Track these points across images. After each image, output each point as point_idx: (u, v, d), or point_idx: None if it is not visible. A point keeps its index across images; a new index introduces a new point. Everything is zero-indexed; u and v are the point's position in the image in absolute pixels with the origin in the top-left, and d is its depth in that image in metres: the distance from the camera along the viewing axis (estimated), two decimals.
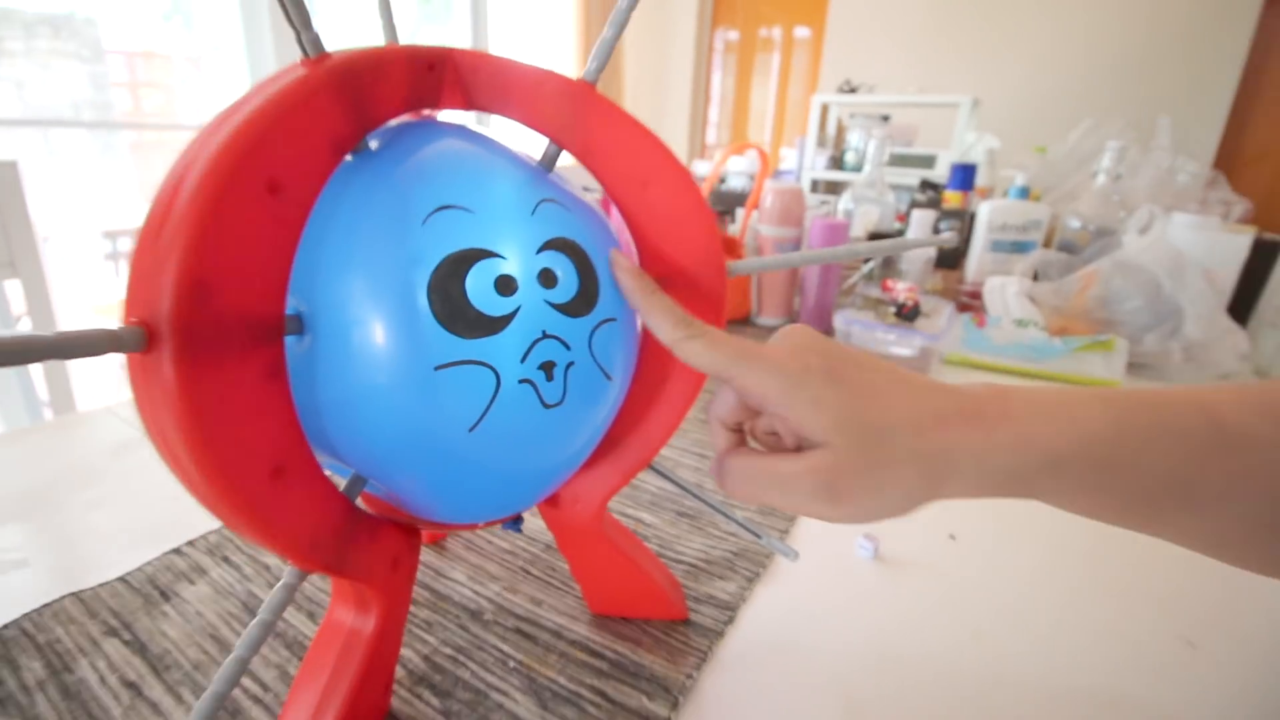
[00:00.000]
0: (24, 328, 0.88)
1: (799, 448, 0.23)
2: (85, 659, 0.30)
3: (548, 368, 0.22)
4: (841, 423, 0.22)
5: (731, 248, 0.92)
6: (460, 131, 0.24)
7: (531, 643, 0.32)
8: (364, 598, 0.25)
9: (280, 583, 0.22)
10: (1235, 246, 0.81)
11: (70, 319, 0.78)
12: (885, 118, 1.33)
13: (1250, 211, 1.10)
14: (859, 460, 0.22)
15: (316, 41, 0.20)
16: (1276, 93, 1.71)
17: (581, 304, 0.23)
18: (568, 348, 0.23)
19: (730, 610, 0.34)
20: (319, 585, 0.35)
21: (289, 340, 0.20)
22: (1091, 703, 0.30)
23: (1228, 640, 0.34)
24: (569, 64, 2.47)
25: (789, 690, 0.30)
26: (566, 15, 2.44)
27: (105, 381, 1.98)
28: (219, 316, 0.17)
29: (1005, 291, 0.77)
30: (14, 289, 0.80)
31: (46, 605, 0.33)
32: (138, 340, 0.16)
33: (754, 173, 1.45)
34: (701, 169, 1.52)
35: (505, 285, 0.21)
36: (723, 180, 1.38)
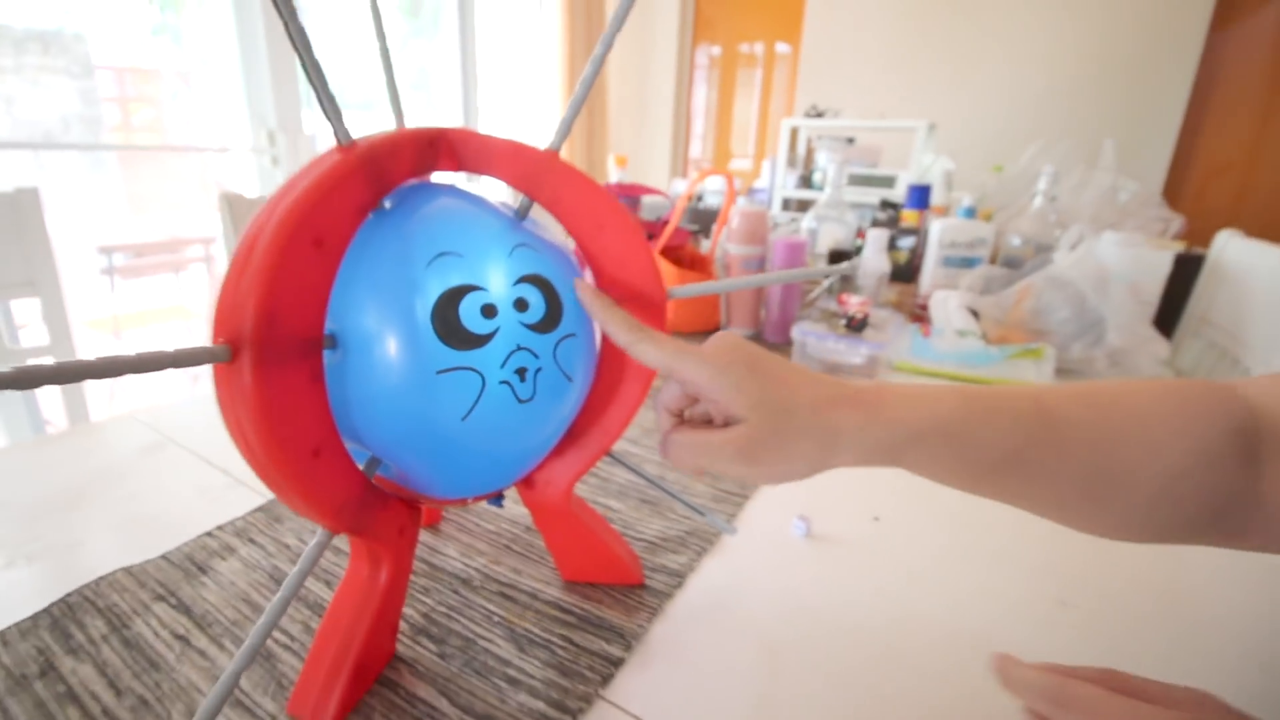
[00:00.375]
0: (27, 336, 0.93)
1: (726, 424, 0.30)
2: (139, 619, 0.36)
3: (521, 372, 0.29)
4: (756, 403, 0.29)
5: (702, 264, 0.99)
6: (453, 191, 0.31)
7: (512, 602, 0.38)
8: (376, 556, 0.31)
9: (313, 541, 0.29)
10: (1159, 262, 0.89)
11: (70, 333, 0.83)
12: (850, 140, 1.42)
13: (1184, 228, 1.19)
14: (770, 432, 0.29)
15: (347, 134, 0.26)
16: (1222, 113, 1.81)
17: (548, 323, 0.30)
18: (536, 357, 0.29)
19: (680, 577, 0.41)
20: (334, 562, 0.42)
21: (326, 353, 0.26)
22: (978, 650, 0.37)
23: (1095, 600, 0.41)
24: (553, 74, 2.54)
25: (722, 636, 0.37)
26: (551, 29, 2.52)
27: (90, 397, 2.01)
28: (281, 337, 0.24)
29: (948, 304, 0.84)
30: (31, 305, 0.85)
31: (102, 578, 0.39)
32: (226, 354, 0.23)
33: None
34: (679, 187, 1.60)
35: (489, 311, 0.28)
36: (700, 198, 1.46)
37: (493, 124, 2.54)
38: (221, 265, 3.05)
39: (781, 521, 0.48)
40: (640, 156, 3.00)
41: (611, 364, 0.36)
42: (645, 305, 0.34)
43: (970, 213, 1.00)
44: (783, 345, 0.87)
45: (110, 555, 0.42)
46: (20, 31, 3.33)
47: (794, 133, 1.47)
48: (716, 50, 2.93)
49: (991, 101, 1.91)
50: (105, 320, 2.52)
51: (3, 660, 0.33)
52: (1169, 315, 0.95)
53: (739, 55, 2.92)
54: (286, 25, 0.23)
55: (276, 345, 0.23)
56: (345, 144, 0.26)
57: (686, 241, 1.02)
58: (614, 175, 1.22)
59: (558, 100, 2.55)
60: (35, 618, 0.36)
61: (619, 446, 0.58)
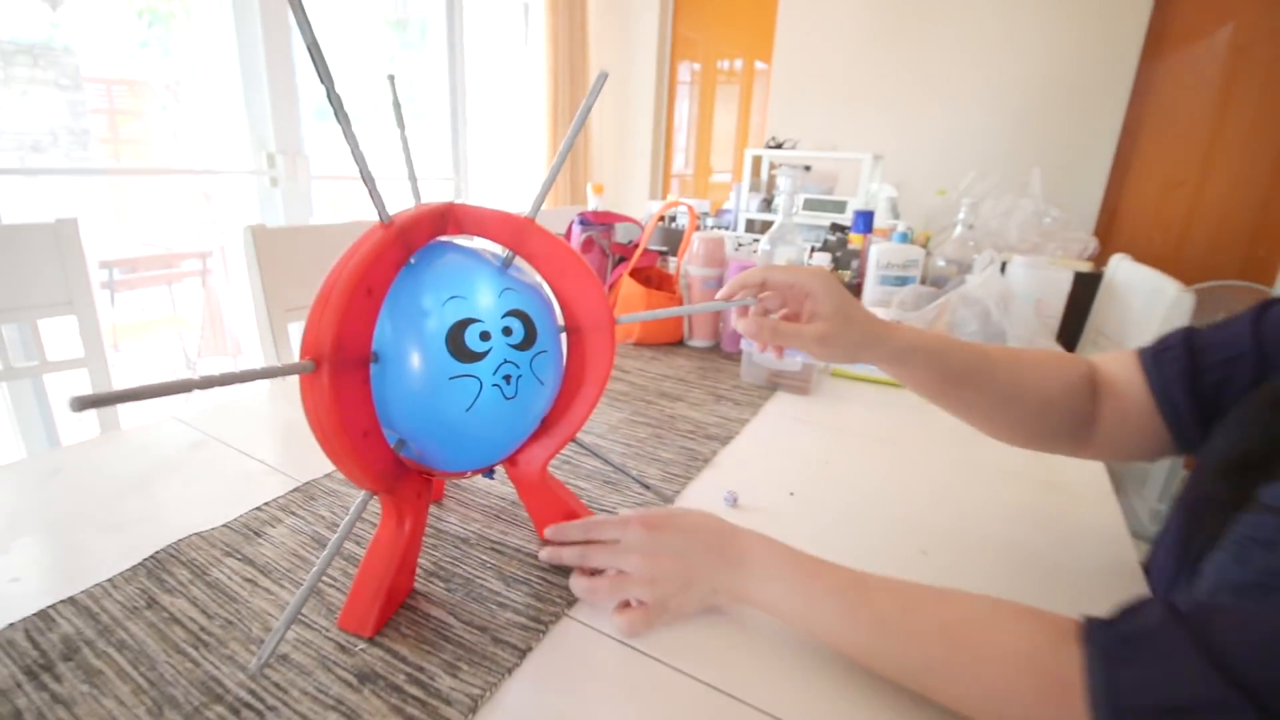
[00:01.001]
0: (55, 350, 1.02)
1: (809, 321, 0.50)
2: (214, 568, 0.48)
3: (508, 378, 0.41)
4: (836, 309, 0.48)
5: (669, 283, 1.12)
6: (458, 249, 0.43)
7: (500, 554, 0.50)
8: (401, 512, 0.43)
9: (358, 499, 0.40)
10: (1060, 280, 1.03)
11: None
12: (807, 168, 1.55)
13: (1097, 250, 1.33)
14: (840, 329, 0.48)
15: (387, 214, 0.38)
16: (1153, 142, 1.98)
17: (526, 343, 0.42)
18: (518, 367, 0.41)
19: None
20: (360, 530, 0.53)
21: (372, 366, 0.38)
22: None
23: (950, 551, 0.54)
24: (539, 87, 2.65)
25: None
26: (537, 41, 2.64)
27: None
28: (346, 355, 0.35)
29: None
30: (69, 322, 0.95)
31: (179, 540, 0.50)
32: (311, 367, 0.35)
33: (699, 213, 1.67)
34: (656, 207, 1.72)
35: (484, 336, 0.40)
36: (673, 219, 1.58)
37: (480, 135, 2.64)
38: (219, 279, 3.13)
39: (714, 496, 0.60)
40: (623, 171, 3.13)
41: (575, 372, 0.48)
42: (596, 328, 0.46)
43: (904, 237, 1.13)
44: (735, 354, 0.99)
45: (180, 525, 0.53)
46: (9, 44, 3.39)
47: (756, 161, 1.61)
48: (697, 66, 3.06)
49: (939, 131, 2.07)
50: (106, 331, 2.59)
51: (116, 598, 0.44)
52: (1074, 327, 1.09)
53: (719, 71, 3.05)
54: (334, 105, 0.35)
55: (343, 361, 0.35)
56: (385, 222, 0.38)
57: (655, 262, 1.14)
58: (592, 202, 1.33)
59: (543, 113, 2.67)
60: (133, 569, 0.47)
61: (589, 440, 0.70)
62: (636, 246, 1.09)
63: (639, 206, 2.64)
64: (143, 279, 3.05)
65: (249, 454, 0.65)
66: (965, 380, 0.50)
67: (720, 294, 0.54)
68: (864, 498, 0.61)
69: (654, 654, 0.41)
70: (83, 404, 0.24)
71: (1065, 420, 0.50)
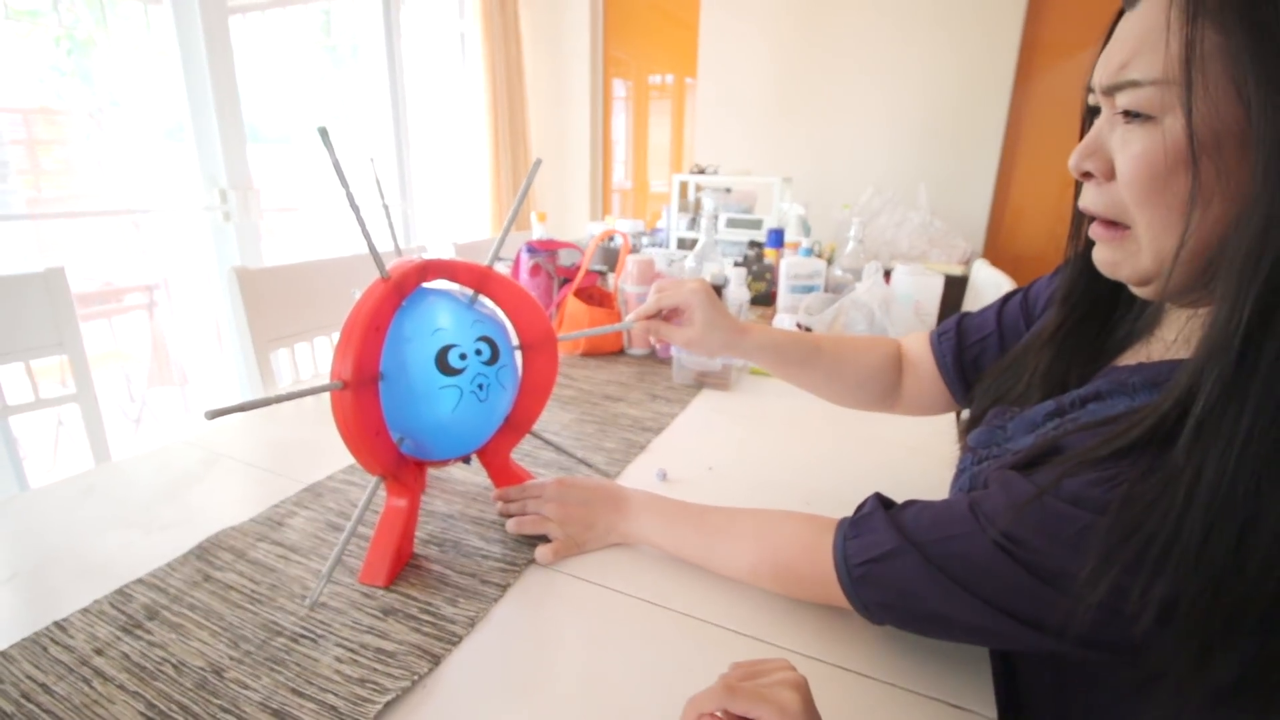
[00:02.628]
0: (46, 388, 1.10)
1: (682, 325, 0.67)
2: (252, 550, 0.60)
3: (480, 386, 0.55)
4: (704, 320, 0.65)
5: (608, 300, 1.27)
6: (438, 292, 0.57)
7: (479, 525, 0.64)
8: (403, 491, 0.57)
9: (371, 484, 0.54)
10: (933, 284, 1.23)
11: None
12: (728, 190, 1.74)
13: (972, 254, 1.56)
14: (705, 335, 0.65)
15: (385, 270, 0.52)
16: (1028, 156, 2.26)
17: (493, 360, 0.56)
18: (488, 378, 0.56)
19: None
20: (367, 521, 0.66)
21: (381, 383, 0.52)
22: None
23: (829, 504, 0.71)
24: (479, 110, 2.77)
25: None
26: (475, 66, 2.77)
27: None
28: (363, 375, 0.50)
29: (782, 324, 1.15)
30: (57, 362, 1.04)
31: (217, 532, 0.63)
32: (340, 385, 0.48)
33: (635, 233, 1.83)
34: (596, 228, 1.88)
35: (463, 357, 0.54)
36: (612, 239, 1.74)
37: (422, 160, 2.74)
38: (165, 311, 3.11)
39: (648, 474, 0.76)
40: (565, 191, 3.27)
41: (529, 379, 0.63)
42: (543, 345, 0.61)
43: (809, 252, 1.32)
44: (667, 360, 1.15)
45: (214, 522, 0.65)
46: None
47: (684, 185, 1.79)
48: (630, 82, 3.23)
49: (842, 152, 2.32)
50: (53, 367, 2.56)
51: (177, 577, 0.57)
52: None
53: (651, 85, 3.23)
54: (347, 193, 0.49)
55: (361, 381, 0.49)
56: (385, 277, 0.52)
57: (595, 282, 1.30)
58: (536, 231, 1.48)
59: (484, 136, 2.79)
60: (184, 556, 0.59)
61: (549, 437, 0.85)
62: (579, 269, 1.24)
63: (580, 226, 2.79)
64: (85, 314, 3.01)
65: (257, 465, 0.77)
66: (799, 365, 0.69)
67: (629, 317, 0.70)
68: (767, 468, 0.78)
69: (594, 579, 0.56)
70: (214, 414, 0.38)
71: (877, 388, 0.70)
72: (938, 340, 0.66)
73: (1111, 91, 0.38)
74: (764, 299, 1.36)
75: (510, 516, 0.63)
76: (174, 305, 3.38)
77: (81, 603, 0.53)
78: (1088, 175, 0.42)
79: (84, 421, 1.04)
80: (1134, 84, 0.36)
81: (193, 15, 1.77)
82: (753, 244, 1.51)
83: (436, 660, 0.47)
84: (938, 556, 0.41)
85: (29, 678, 0.46)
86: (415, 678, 0.46)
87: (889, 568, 0.43)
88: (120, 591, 0.54)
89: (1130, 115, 0.37)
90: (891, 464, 0.80)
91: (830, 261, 1.41)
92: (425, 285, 0.58)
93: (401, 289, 0.54)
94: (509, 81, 2.84)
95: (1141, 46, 0.36)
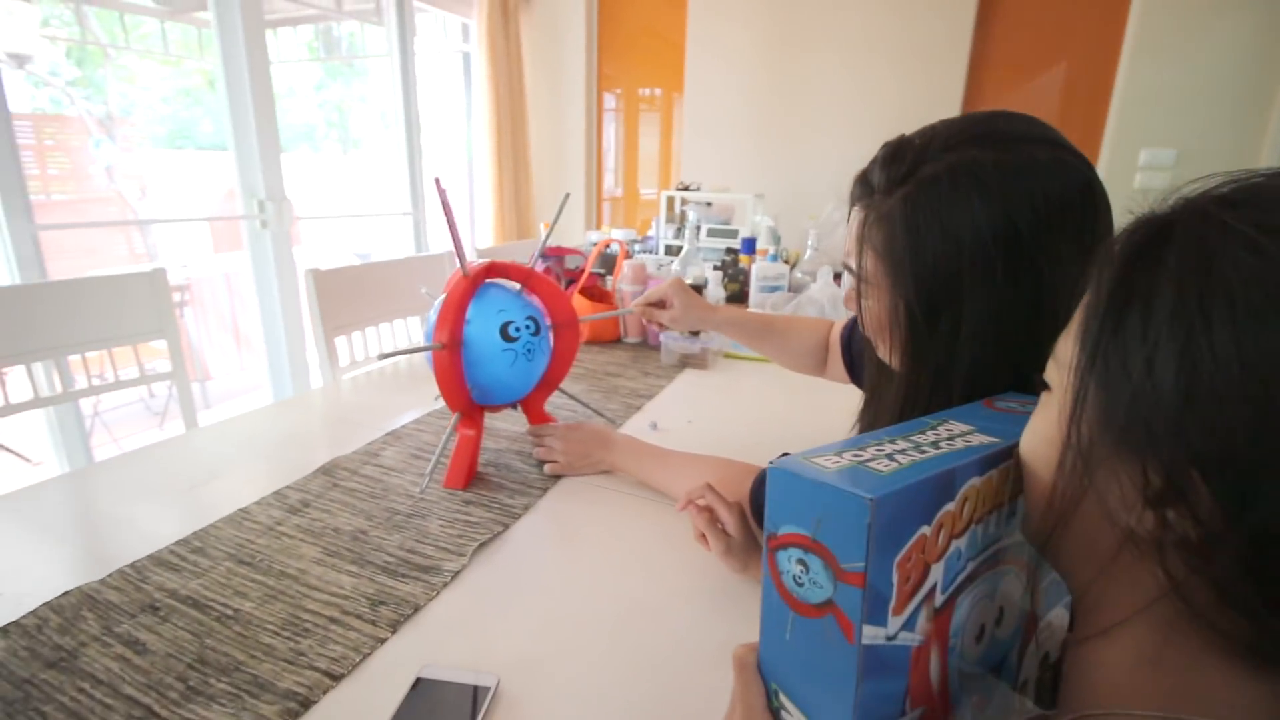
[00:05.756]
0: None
1: (668, 311, 0.94)
2: (361, 470, 0.84)
3: (528, 350, 0.80)
4: (682, 304, 0.92)
5: (607, 298, 1.52)
6: (499, 284, 0.82)
7: (520, 455, 0.89)
8: (471, 425, 0.81)
9: (452, 420, 0.79)
10: None
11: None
12: (709, 204, 1.99)
13: None
14: (684, 314, 0.93)
15: (467, 266, 0.77)
16: None
17: (536, 332, 0.81)
18: (533, 345, 0.81)
19: None
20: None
21: (463, 347, 0.77)
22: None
23: (711, 424, 0.96)
24: (483, 124, 3.01)
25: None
26: (479, 83, 3.01)
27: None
28: (454, 340, 0.74)
29: None
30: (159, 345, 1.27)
31: (332, 459, 0.87)
32: (442, 346, 0.73)
33: (629, 240, 2.09)
34: (594, 236, 2.13)
35: (516, 330, 0.79)
36: (609, 246, 1.99)
37: (431, 171, 2.97)
38: (201, 309, 3.31)
39: (643, 424, 1.00)
40: (559, 195, 3.51)
41: (559, 348, 0.88)
42: (569, 324, 0.86)
43: (775, 258, 1.58)
44: (656, 346, 1.40)
45: (324, 455, 0.89)
46: None
47: (670, 200, 2.05)
48: (619, 90, 3.47)
49: (810, 168, 2.59)
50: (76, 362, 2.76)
51: (314, 484, 0.80)
52: None
53: (640, 98, 3.48)
54: (449, 220, 0.74)
55: (453, 344, 0.74)
56: (466, 274, 0.77)
57: (597, 282, 1.55)
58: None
59: (487, 149, 3.03)
60: (313, 473, 0.83)
61: (572, 392, 1.09)
62: (583, 272, 1.49)
63: (578, 233, 3.04)
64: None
65: (345, 419, 1.01)
66: (756, 338, 0.96)
67: (631, 304, 0.95)
68: (732, 424, 1.03)
69: (605, 485, 0.81)
70: (383, 356, 0.63)
71: (812, 361, 0.94)
72: (842, 331, 0.91)
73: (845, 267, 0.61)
74: (737, 297, 1.61)
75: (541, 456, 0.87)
76: (201, 304, 3.59)
77: (254, 499, 0.77)
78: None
79: (179, 398, 1.27)
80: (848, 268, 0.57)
81: (237, 47, 2.00)
82: (729, 251, 1.77)
83: (505, 526, 0.72)
84: None
85: (235, 538, 0.69)
86: (492, 533, 0.70)
87: None
88: (276, 493, 0.78)
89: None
90: (833, 427, 1.05)
91: (793, 266, 1.66)
92: (489, 280, 0.82)
93: (475, 282, 0.78)
94: (510, 98, 3.09)
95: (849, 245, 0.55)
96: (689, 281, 1.58)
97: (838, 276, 1.48)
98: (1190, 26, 2.15)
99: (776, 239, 1.80)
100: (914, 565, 0.27)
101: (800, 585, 0.28)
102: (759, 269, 1.56)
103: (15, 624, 0.55)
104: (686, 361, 1.31)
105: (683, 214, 2.07)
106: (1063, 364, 0.28)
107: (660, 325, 1.03)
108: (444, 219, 0.74)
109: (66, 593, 0.59)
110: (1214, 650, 0.25)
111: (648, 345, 1.45)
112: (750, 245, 1.66)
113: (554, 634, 0.57)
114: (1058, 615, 0.39)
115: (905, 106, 2.46)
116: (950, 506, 0.28)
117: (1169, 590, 0.25)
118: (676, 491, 0.75)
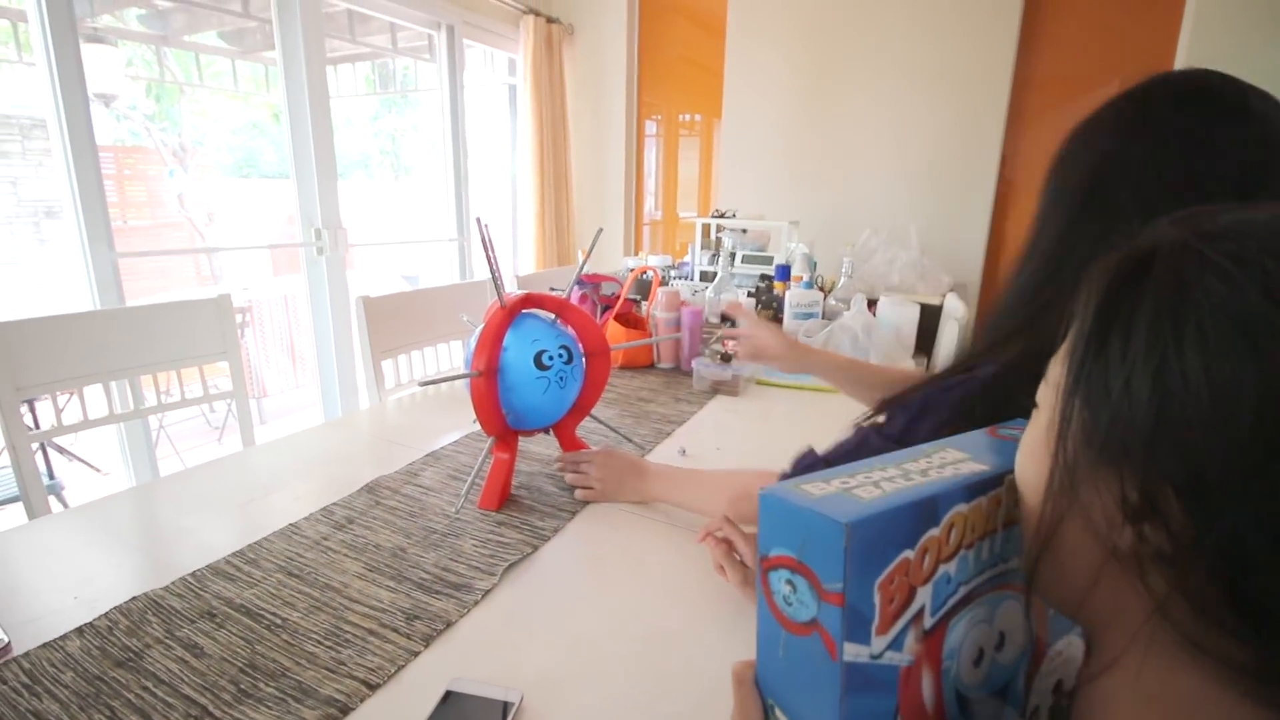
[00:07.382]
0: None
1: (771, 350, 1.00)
2: (402, 489, 0.89)
3: (561, 378, 0.83)
4: (788, 346, 0.99)
5: (641, 324, 1.56)
6: (533, 315, 0.86)
7: (552, 480, 0.92)
8: (505, 448, 0.85)
9: (487, 444, 0.82)
10: (910, 312, 1.48)
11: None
12: (744, 230, 2.01)
13: (955, 286, 1.80)
14: (788, 356, 0.98)
15: (504, 299, 0.81)
16: (1022, 194, 2.50)
17: (569, 361, 0.85)
18: (566, 373, 0.84)
19: None
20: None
21: (499, 374, 0.81)
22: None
23: (739, 449, 0.96)
24: (526, 155, 3.12)
25: None
26: (524, 115, 3.12)
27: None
28: (491, 368, 0.78)
29: None
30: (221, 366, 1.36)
31: (375, 478, 0.91)
32: (479, 374, 0.77)
33: (664, 266, 2.13)
34: (630, 262, 2.18)
35: (550, 358, 0.82)
36: (644, 274, 2.03)
37: (477, 200, 3.09)
38: (260, 329, 3.50)
39: (672, 450, 1.02)
40: (599, 222, 3.59)
41: (590, 376, 0.91)
42: (600, 353, 0.90)
43: (809, 285, 1.59)
44: (688, 372, 1.43)
45: (369, 474, 0.93)
46: (27, 119, 3.81)
47: (706, 227, 2.08)
48: (660, 116, 3.54)
49: (848, 197, 2.60)
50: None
51: (358, 501, 0.85)
52: (928, 344, 1.55)
53: (680, 123, 3.54)
54: (489, 257, 0.78)
55: (490, 371, 0.78)
56: (503, 305, 0.81)
57: (631, 309, 1.58)
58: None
59: (530, 178, 3.13)
60: (358, 491, 0.88)
61: (603, 419, 1.12)
62: (618, 299, 1.52)
63: (615, 258, 3.09)
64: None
65: (387, 439, 1.06)
66: (843, 374, 0.98)
67: (730, 345, 0.98)
68: (761, 452, 1.04)
69: (632, 511, 0.84)
70: (425, 383, 0.67)
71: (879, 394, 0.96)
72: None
73: None
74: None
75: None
76: (259, 325, 3.77)
77: (303, 515, 0.82)
78: None
79: (237, 416, 1.35)
80: None
81: (300, 83, 2.13)
82: (764, 277, 1.78)
83: (535, 547, 0.75)
84: None
85: (285, 551, 0.74)
86: (522, 554, 0.73)
87: None
88: (324, 509, 0.83)
89: None
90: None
91: (828, 293, 1.67)
92: (525, 310, 0.86)
93: (512, 312, 0.82)
94: (553, 128, 3.19)
95: None
96: (722, 308, 1.60)
97: (872, 304, 1.48)
98: (1240, 54, 2.09)
99: (812, 265, 1.81)
100: (898, 587, 0.29)
101: (789, 604, 0.30)
102: (793, 296, 1.57)
103: (89, 625, 0.60)
104: (718, 388, 1.32)
105: (718, 240, 2.10)
106: (1052, 385, 0.30)
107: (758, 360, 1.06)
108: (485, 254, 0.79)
109: (134, 598, 0.64)
110: (1216, 684, 0.26)
111: (680, 371, 1.47)
112: (784, 272, 1.68)
113: (578, 654, 0.59)
114: (1072, 644, 0.39)
115: (943, 131, 2.45)
116: (935, 532, 0.30)
117: (1153, 610, 0.26)
118: (714, 509, 0.77)
